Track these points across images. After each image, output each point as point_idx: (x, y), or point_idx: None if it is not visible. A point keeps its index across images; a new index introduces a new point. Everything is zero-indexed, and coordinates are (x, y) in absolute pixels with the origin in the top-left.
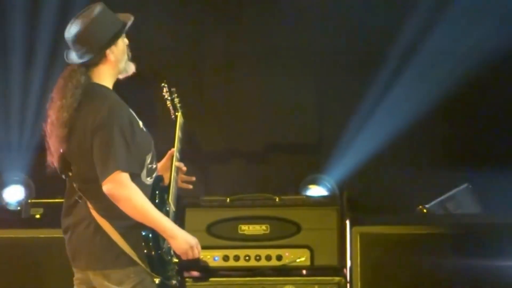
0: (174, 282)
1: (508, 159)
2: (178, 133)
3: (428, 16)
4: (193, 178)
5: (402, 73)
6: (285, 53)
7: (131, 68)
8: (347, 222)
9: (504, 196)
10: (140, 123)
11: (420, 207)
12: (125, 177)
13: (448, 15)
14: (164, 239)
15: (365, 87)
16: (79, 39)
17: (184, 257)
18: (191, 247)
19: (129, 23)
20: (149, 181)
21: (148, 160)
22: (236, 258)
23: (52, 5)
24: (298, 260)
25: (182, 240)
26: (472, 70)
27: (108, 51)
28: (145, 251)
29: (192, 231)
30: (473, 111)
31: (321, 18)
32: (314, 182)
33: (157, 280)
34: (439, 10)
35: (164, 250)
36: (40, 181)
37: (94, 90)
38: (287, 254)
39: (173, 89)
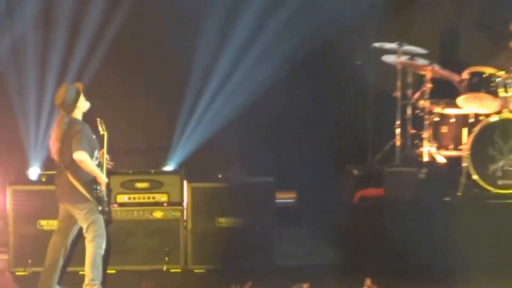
0: (107, 209)
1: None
2: (105, 141)
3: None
4: (112, 163)
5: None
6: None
7: (87, 106)
8: (185, 181)
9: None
10: (94, 136)
11: (220, 175)
12: (84, 153)
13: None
14: (104, 189)
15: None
16: (62, 106)
17: (105, 185)
18: (106, 181)
19: (82, 89)
20: (95, 163)
21: (96, 153)
22: (134, 198)
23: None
24: (162, 199)
25: (103, 177)
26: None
27: (76, 104)
28: (95, 194)
29: (113, 186)
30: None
31: None
32: (167, 164)
33: (100, 208)
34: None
35: (103, 194)
36: (46, 165)
37: (73, 120)
38: (157, 196)
39: (101, 120)
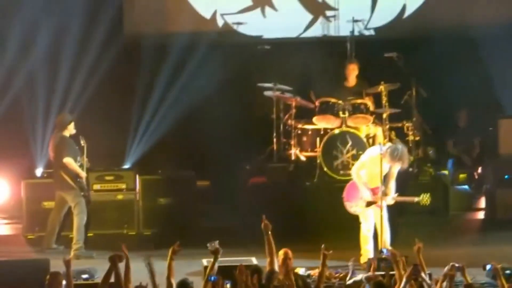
0: (87, 194)
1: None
2: (85, 149)
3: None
4: (89, 164)
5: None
6: None
7: (73, 132)
8: (137, 175)
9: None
10: (76, 147)
11: (159, 171)
12: (70, 158)
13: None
14: (84, 181)
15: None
16: (57, 126)
17: (84, 179)
18: (85, 175)
19: (72, 119)
20: (78, 164)
21: (78, 158)
22: (104, 186)
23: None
24: (122, 187)
25: (83, 174)
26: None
27: (67, 126)
28: (78, 184)
29: (90, 179)
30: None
31: None
32: (125, 164)
33: (82, 193)
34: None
35: (84, 184)
36: (48, 164)
37: (62, 137)
38: (119, 185)
39: (82, 136)
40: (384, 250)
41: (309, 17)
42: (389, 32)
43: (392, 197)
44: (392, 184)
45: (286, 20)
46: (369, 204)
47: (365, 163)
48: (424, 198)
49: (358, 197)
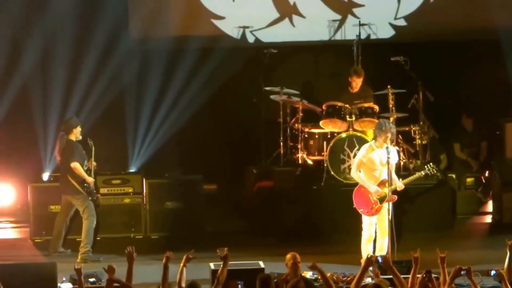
0: (95, 198)
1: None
2: (93, 153)
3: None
4: (96, 167)
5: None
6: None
7: (80, 137)
8: (144, 179)
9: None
10: (83, 151)
11: (166, 174)
12: (77, 163)
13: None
14: (92, 186)
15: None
16: (64, 129)
17: (92, 184)
18: (92, 180)
19: (80, 125)
20: (85, 169)
21: (85, 162)
22: (111, 190)
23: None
24: (129, 190)
25: (89, 179)
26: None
27: (73, 130)
28: (85, 189)
29: (97, 182)
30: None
31: None
32: (128, 167)
33: (90, 198)
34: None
35: (92, 189)
36: (55, 168)
37: (69, 141)
38: (126, 188)
39: (90, 140)
40: (379, 258)
41: (276, 14)
42: (396, 36)
43: (399, 185)
44: (394, 174)
45: (255, 12)
46: (382, 199)
47: (360, 161)
48: (430, 168)
49: (368, 199)
